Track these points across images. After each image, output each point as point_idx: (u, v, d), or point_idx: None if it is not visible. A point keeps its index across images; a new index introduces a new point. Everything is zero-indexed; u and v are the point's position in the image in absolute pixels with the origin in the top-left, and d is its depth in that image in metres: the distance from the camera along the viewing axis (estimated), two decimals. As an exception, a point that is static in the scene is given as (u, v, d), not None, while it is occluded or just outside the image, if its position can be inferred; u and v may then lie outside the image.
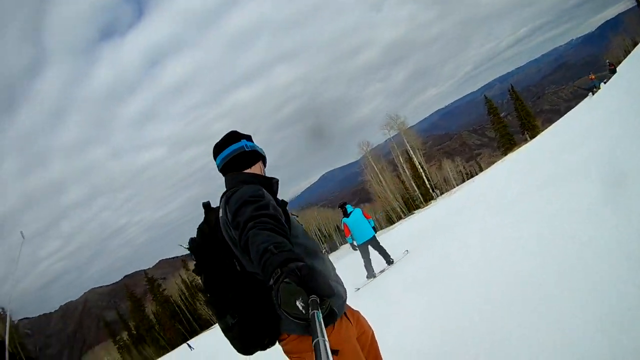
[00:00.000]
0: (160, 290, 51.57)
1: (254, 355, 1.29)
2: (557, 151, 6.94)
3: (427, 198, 40.74)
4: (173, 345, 43.90)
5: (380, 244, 6.59)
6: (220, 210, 1.26)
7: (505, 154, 38.31)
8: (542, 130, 33.25)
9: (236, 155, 1.36)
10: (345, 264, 11.26)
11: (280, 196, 1.34)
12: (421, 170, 41.68)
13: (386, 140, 44.64)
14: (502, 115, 49.60)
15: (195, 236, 1.33)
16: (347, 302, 1.33)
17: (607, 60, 30.00)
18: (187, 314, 51.63)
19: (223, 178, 1.38)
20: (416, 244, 7.51)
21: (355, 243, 6.52)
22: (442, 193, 41.15)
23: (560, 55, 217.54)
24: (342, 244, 48.71)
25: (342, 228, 6.67)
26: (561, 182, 4.51)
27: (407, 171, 42.34)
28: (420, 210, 35.79)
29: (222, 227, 1.23)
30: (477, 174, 42.56)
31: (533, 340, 1.84)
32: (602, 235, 2.43)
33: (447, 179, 50.72)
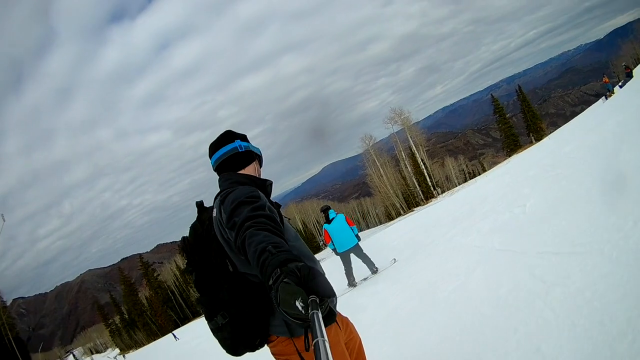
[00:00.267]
0: (155, 275, 51.35)
1: (242, 356, 1.30)
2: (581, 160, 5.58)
3: (428, 195, 40.31)
4: (164, 332, 43.74)
5: (364, 251, 6.06)
6: (214, 210, 1.26)
7: (510, 155, 37.90)
8: (547, 134, 32.76)
9: (230, 156, 1.36)
10: (325, 267, 10.57)
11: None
12: (423, 167, 41.15)
13: (389, 135, 44.10)
14: (507, 116, 48.91)
15: (188, 235, 1.33)
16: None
17: (624, 64, 29.17)
18: (180, 299, 51.53)
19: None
20: (409, 252, 6.55)
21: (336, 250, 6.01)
22: (443, 191, 40.72)
23: (568, 60, 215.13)
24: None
25: (323, 234, 6.17)
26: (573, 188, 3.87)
27: (409, 167, 41.80)
28: (420, 207, 35.33)
29: (215, 227, 1.24)
30: (479, 174, 42.15)
31: (530, 346, 1.83)
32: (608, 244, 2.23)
33: (449, 177, 50.24)
